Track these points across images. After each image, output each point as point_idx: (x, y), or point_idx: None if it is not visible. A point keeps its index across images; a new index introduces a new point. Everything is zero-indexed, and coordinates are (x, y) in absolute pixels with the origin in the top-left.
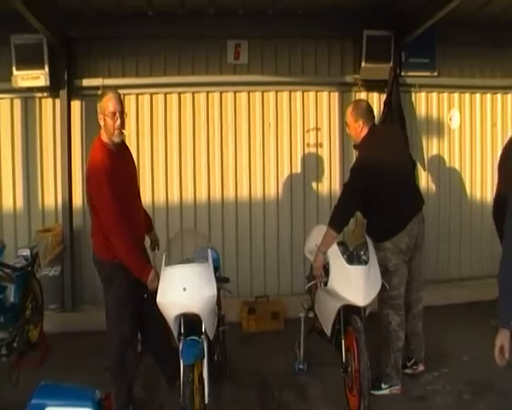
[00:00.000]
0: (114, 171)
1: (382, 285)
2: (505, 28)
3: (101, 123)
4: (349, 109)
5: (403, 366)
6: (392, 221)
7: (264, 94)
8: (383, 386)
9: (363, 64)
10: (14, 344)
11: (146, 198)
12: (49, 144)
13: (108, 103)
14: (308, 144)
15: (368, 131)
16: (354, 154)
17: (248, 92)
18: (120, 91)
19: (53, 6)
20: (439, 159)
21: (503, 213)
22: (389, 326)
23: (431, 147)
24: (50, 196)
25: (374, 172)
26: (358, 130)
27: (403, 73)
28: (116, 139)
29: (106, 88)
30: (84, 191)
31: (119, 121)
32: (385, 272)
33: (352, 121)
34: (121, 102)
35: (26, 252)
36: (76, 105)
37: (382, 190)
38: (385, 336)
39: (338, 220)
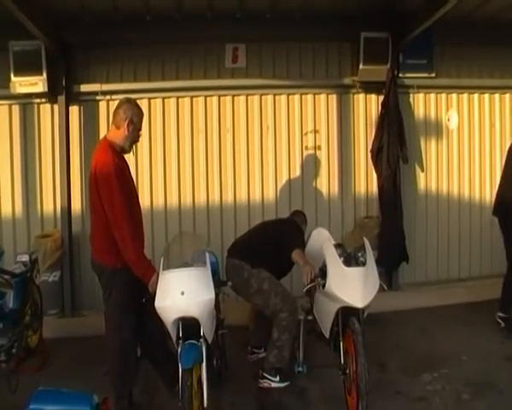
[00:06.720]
0: (123, 172)
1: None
2: (502, 28)
3: (126, 128)
4: None
5: None
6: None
7: (263, 97)
8: None
9: (360, 66)
10: (14, 350)
11: (144, 202)
12: (47, 150)
13: (143, 118)
14: (306, 147)
15: None
16: (353, 156)
17: (246, 96)
18: (118, 97)
19: (50, 12)
20: (437, 160)
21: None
22: None
23: (429, 148)
24: (49, 202)
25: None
26: None
27: (400, 75)
28: (128, 149)
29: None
30: (84, 196)
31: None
32: None
33: None
34: None
35: (25, 258)
36: (74, 111)
37: None
38: None
39: None
